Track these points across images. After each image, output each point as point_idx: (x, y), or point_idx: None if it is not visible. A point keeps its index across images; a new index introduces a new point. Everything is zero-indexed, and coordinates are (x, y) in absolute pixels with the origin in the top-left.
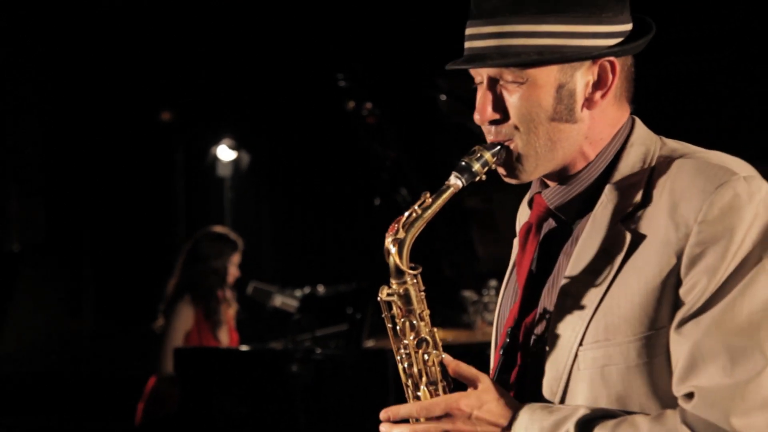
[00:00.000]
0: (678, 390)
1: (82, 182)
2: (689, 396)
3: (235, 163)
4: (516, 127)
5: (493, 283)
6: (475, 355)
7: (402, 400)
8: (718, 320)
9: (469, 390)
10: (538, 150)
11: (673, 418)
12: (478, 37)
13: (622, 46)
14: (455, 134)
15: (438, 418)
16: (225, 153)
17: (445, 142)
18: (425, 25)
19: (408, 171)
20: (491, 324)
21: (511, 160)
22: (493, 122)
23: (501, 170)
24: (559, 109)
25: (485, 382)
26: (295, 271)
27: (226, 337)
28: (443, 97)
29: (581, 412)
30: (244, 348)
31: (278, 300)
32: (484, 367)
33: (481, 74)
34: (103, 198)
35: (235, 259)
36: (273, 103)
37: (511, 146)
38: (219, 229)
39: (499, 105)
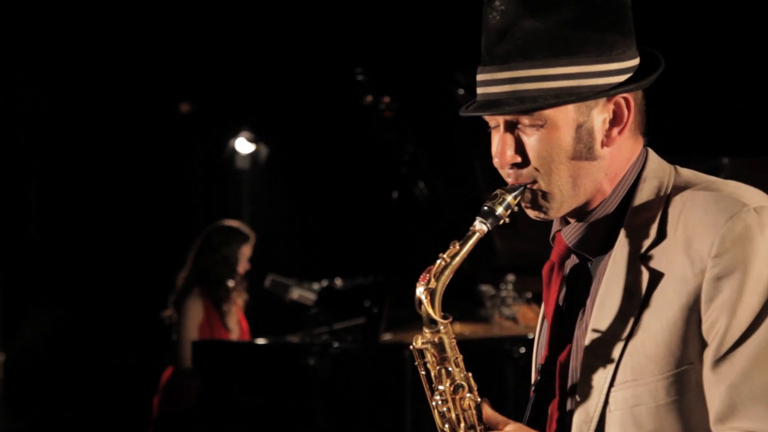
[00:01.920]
0: (718, 430)
1: (99, 174)
2: None
3: (254, 155)
4: (537, 169)
5: (510, 277)
6: (491, 349)
7: (419, 393)
8: (753, 360)
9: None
10: (562, 189)
11: None
12: (492, 83)
13: (634, 81)
14: (473, 128)
15: None
16: (243, 146)
17: (463, 136)
18: (443, 20)
19: (426, 165)
20: (508, 318)
21: (536, 199)
22: (513, 166)
23: (530, 211)
24: (579, 148)
25: (514, 426)
26: (312, 265)
27: (236, 326)
28: (461, 92)
29: None
30: (261, 341)
31: (296, 293)
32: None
33: (496, 119)
34: (120, 189)
35: (246, 251)
36: (292, 97)
37: (534, 188)
38: (231, 222)
39: (519, 148)
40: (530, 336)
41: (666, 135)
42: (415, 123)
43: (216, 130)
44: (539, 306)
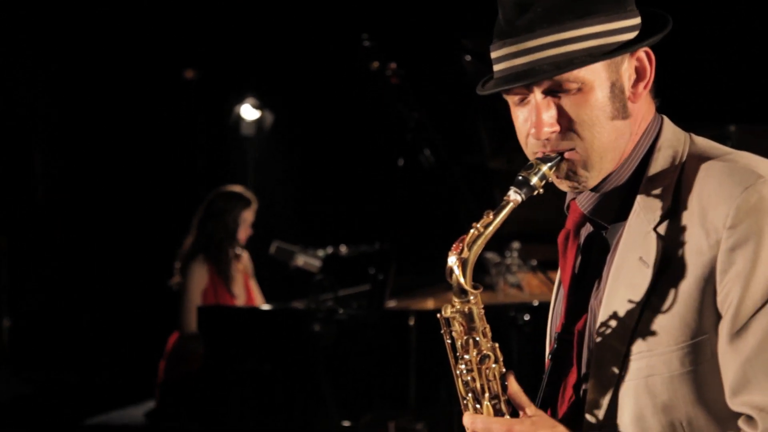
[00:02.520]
0: (733, 403)
1: (104, 140)
2: (750, 419)
3: (259, 122)
4: (578, 134)
5: (515, 245)
6: (497, 315)
7: (423, 359)
8: (766, 332)
9: (523, 416)
10: (602, 153)
11: None
12: (517, 54)
13: (647, 37)
14: (479, 95)
15: None
16: (249, 112)
17: (469, 103)
18: None
19: (432, 132)
20: (513, 286)
21: (575, 168)
22: (553, 134)
23: (565, 183)
24: (616, 107)
25: (536, 411)
26: (317, 231)
27: (242, 291)
28: (468, 58)
29: None
30: (266, 307)
31: (301, 260)
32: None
33: (524, 92)
34: (125, 155)
35: (248, 216)
36: (297, 63)
37: (573, 156)
38: (234, 187)
39: (559, 116)
40: (535, 303)
41: (672, 102)
42: (421, 90)
43: (221, 96)
44: (544, 274)
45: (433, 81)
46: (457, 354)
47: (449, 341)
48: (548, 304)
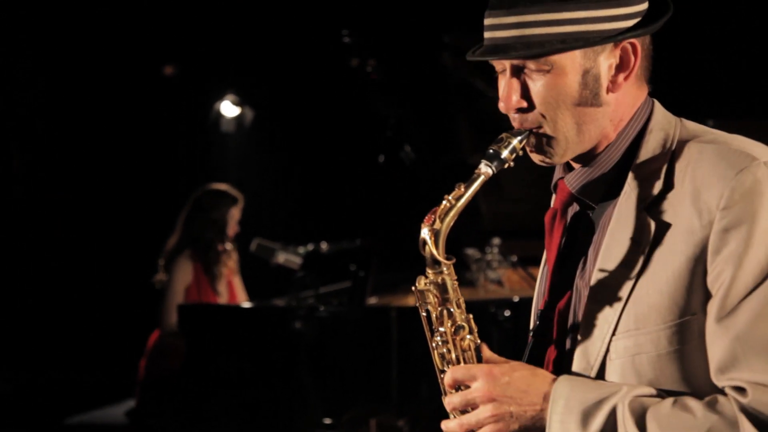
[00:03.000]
0: (719, 380)
1: (84, 136)
2: (740, 389)
3: (239, 119)
4: (542, 115)
5: (496, 241)
6: (477, 311)
7: (405, 356)
8: (757, 312)
9: (501, 362)
10: (567, 135)
11: (728, 405)
12: (499, 27)
13: (642, 26)
14: (459, 91)
15: (469, 388)
16: (228, 109)
17: (450, 99)
18: None
19: (412, 128)
20: (494, 282)
21: (541, 144)
22: (519, 110)
23: (534, 156)
24: (585, 94)
25: (516, 362)
26: (298, 228)
27: (225, 290)
28: (447, 54)
29: (626, 389)
30: (247, 305)
31: (281, 257)
32: (487, 326)
33: (503, 64)
34: (104, 152)
35: (235, 213)
36: (277, 59)
37: (539, 132)
38: (221, 185)
39: (525, 93)
40: (515, 299)
41: (652, 95)
42: (402, 86)
43: (201, 93)
44: (524, 269)
45: (413, 77)
46: (433, 327)
47: (425, 314)
48: (529, 300)
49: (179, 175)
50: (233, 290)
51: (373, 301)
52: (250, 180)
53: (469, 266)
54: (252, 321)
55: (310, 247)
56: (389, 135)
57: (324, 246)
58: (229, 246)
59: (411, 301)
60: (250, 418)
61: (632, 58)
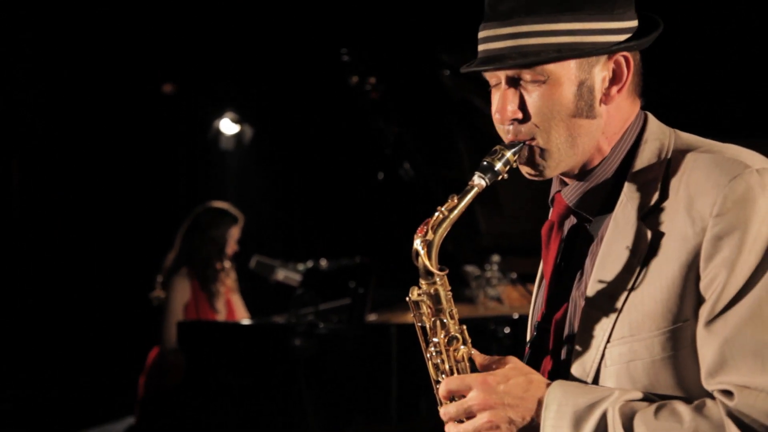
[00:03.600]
0: (708, 384)
1: (83, 154)
2: (727, 393)
3: (238, 136)
4: (537, 126)
5: (495, 258)
6: (477, 328)
7: (404, 373)
8: (747, 317)
9: (498, 367)
10: (560, 147)
11: (715, 409)
12: (494, 39)
13: (633, 41)
14: (458, 109)
15: (465, 397)
16: (228, 126)
17: (449, 117)
18: (430, 1)
19: (411, 146)
20: (493, 299)
21: (533, 157)
22: (513, 121)
23: (525, 169)
24: (580, 106)
25: (512, 361)
26: (298, 245)
27: (223, 307)
28: (447, 72)
29: (618, 394)
30: (246, 322)
31: (281, 274)
32: (487, 343)
33: (498, 76)
34: (104, 170)
35: (235, 233)
36: (276, 77)
37: (533, 144)
38: (221, 203)
39: (521, 104)
40: (515, 316)
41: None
42: (401, 104)
43: (200, 110)
44: (524, 287)
45: (413, 95)
46: (427, 338)
47: (419, 324)
48: (528, 317)
49: (178, 192)
50: (232, 308)
51: (372, 317)
52: (250, 197)
53: (469, 283)
54: (252, 338)
55: (310, 264)
56: (388, 152)
57: (323, 263)
58: (227, 264)
59: (410, 317)
60: None
61: (625, 71)
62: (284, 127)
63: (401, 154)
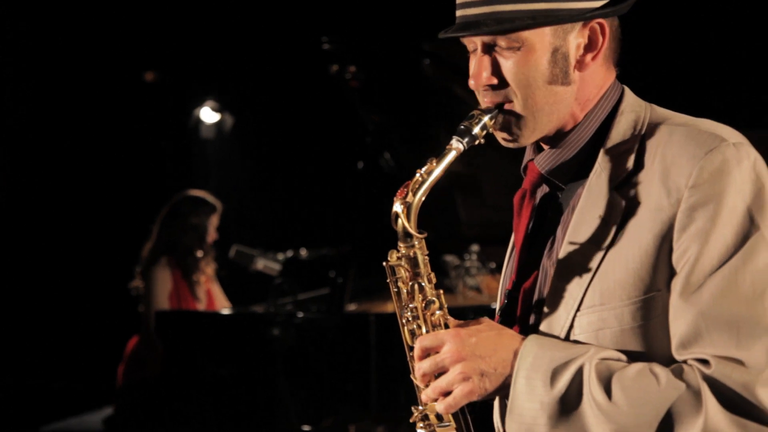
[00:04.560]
0: (680, 355)
1: (63, 142)
2: (704, 362)
3: (219, 125)
4: (512, 92)
5: (474, 247)
6: (456, 318)
7: (384, 363)
8: (722, 289)
9: (471, 324)
10: (536, 113)
11: (692, 374)
12: (470, 4)
13: (609, 8)
14: (439, 99)
15: (437, 352)
16: (208, 115)
17: (429, 107)
18: None
19: (392, 135)
20: (472, 288)
21: (509, 123)
22: (488, 87)
23: (500, 134)
24: (555, 72)
25: (485, 320)
26: (277, 235)
27: (204, 296)
28: (427, 62)
29: (594, 350)
30: (226, 311)
31: (260, 263)
32: None
33: (474, 42)
34: (84, 158)
35: (214, 221)
36: (257, 66)
37: (509, 109)
38: (198, 192)
39: (495, 70)
40: (493, 306)
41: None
42: (381, 93)
43: (181, 99)
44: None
45: (393, 84)
46: (403, 303)
47: (395, 290)
48: None
49: (158, 180)
50: (212, 297)
51: (351, 307)
52: (230, 186)
53: (448, 273)
54: (230, 327)
55: (290, 253)
56: (369, 142)
57: (303, 252)
58: (206, 253)
59: (390, 307)
60: (228, 425)
61: (600, 39)
62: (265, 116)
63: (382, 143)
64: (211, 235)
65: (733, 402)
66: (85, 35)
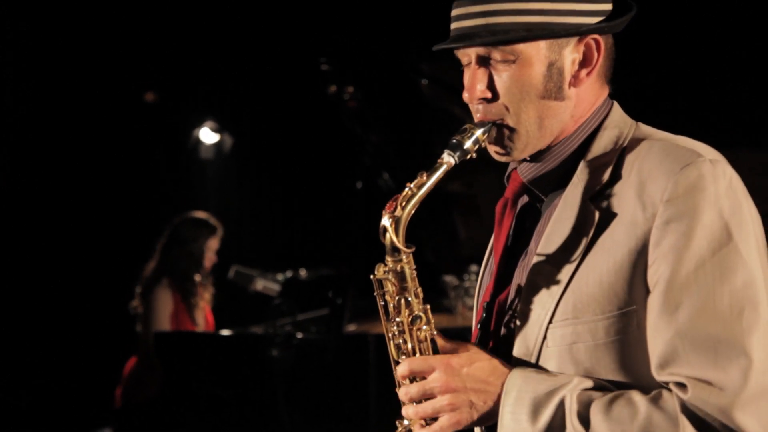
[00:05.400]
0: (659, 375)
1: (63, 162)
2: (681, 386)
3: (218, 145)
4: (506, 106)
5: (473, 268)
6: (455, 338)
7: (383, 383)
8: (698, 308)
9: (460, 351)
10: (528, 128)
11: (670, 401)
12: (465, 17)
13: (605, 23)
14: (437, 119)
15: (426, 378)
16: (208, 135)
17: (427, 127)
18: (408, 10)
19: (390, 155)
20: (472, 309)
21: (502, 138)
22: (482, 101)
23: (492, 148)
24: (549, 87)
25: (473, 347)
26: (277, 255)
27: (202, 319)
28: (425, 82)
29: (576, 381)
30: (225, 332)
31: (260, 284)
32: None
33: (469, 54)
34: (83, 178)
35: (213, 244)
36: (256, 87)
37: (502, 124)
38: (200, 214)
39: (490, 84)
40: None
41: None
42: (380, 113)
43: (180, 119)
44: None
45: (391, 105)
46: (390, 317)
47: (382, 304)
48: None
49: (158, 201)
50: (210, 322)
51: (351, 328)
52: (229, 207)
53: (448, 293)
54: (229, 348)
55: (289, 274)
56: (367, 162)
57: (302, 273)
58: (204, 277)
59: None
60: None
61: (595, 55)
62: (264, 137)
63: (380, 163)
64: (211, 258)
65: (711, 428)
66: (85, 56)
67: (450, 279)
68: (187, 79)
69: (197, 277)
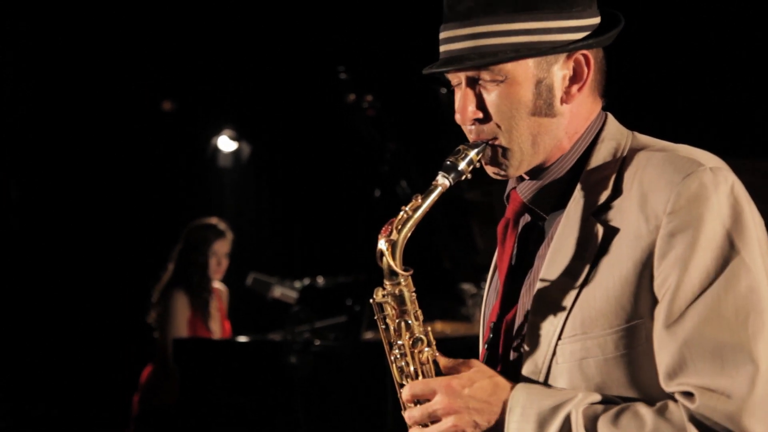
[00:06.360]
0: (668, 386)
1: (81, 170)
2: (688, 395)
3: (236, 154)
4: (498, 125)
5: None
6: (473, 347)
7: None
8: (705, 317)
9: (463, 370)
10: (522, 146)
11: (677, 413)
12: (453, 39)
13: (593, 38)
14: (455, 127)
15: (430, 401)
16: (226, 144)
17: (445, 135)
18: (426, 18)
19: (408, 163)
20: None
21: (496, 156)
22: (475, 122)
23: (488, 168)
24: (539, 104)
25: (476, 364)
26: (294, 263)
27: (218, 327)
28: (443, 90)
29: (581, 396)
30: (242, 339)
31: (278, 291)
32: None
33: (459, 76)
34: (102, 187)
35: (221, 247)
36: (274, 95)
37: (495, 143)
38: (207, 219)
39: (480, 104)
40: None
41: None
42: (398, 121)
43: (198, 128)
44: None
45: (409, 113)
46: (391, 340)
47: (383, 327)
48: None
49: (176, 209)
50: (227, 329)
51: (368, 335)
52: (248, 214)
53: (465, 301)
54: (247, 355)
55: (306, 281)
56: (385, 170)
57: (320, 280)
58: (216, 283)
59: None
60: None
61: (585, 70)
62: (282, 145)
63: (398, 171)
64: (220, 263)
65: None
66: (103, 65)
67: (468, 287)
68: (205, 88)
69: (206, 284)
